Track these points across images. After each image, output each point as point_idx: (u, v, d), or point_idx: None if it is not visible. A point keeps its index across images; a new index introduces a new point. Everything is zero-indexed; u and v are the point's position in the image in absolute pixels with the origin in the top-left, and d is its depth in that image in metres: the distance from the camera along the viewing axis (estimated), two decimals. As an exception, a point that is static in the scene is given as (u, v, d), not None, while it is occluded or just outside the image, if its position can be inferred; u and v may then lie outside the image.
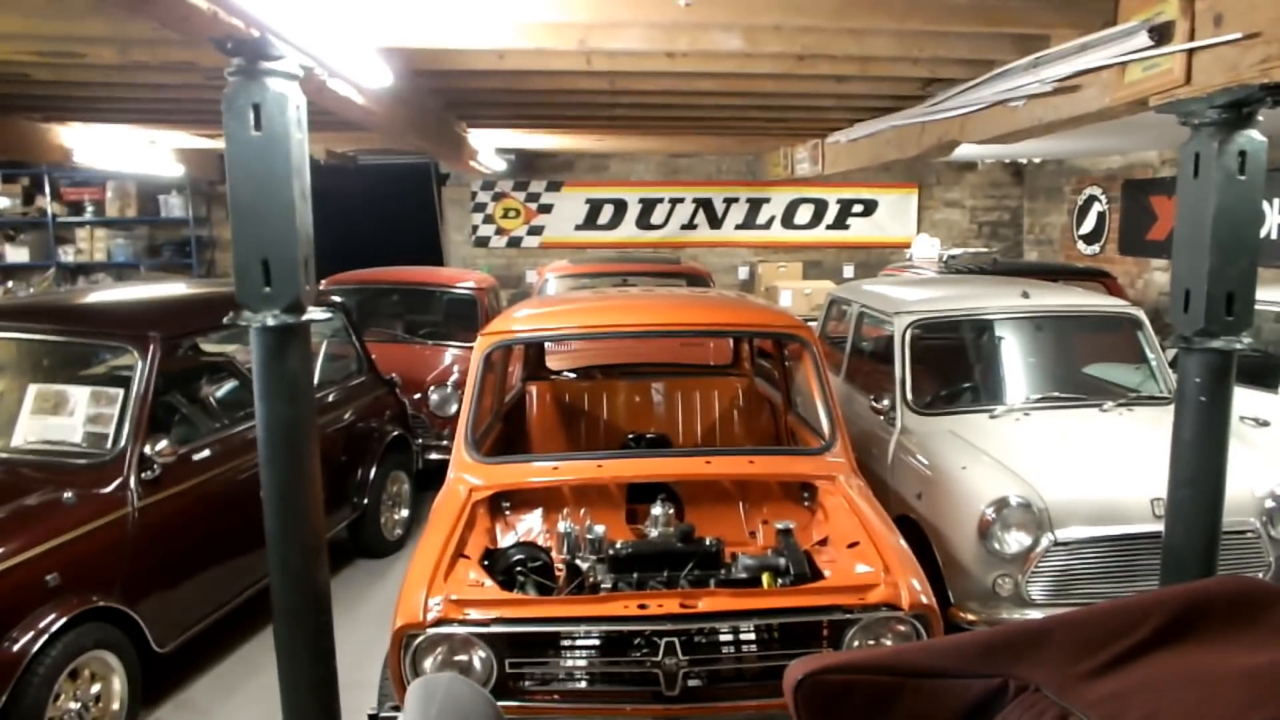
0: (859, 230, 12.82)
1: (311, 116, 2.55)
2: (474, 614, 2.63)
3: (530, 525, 3.63)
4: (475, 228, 12.65)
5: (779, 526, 3.15)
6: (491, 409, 4.37)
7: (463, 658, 2.60)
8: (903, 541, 3.04)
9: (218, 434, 4.17)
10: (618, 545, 3.02)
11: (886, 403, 4.60)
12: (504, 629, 2.61)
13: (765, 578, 2.96)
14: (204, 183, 11.25)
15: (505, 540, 3.43)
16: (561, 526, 3.17)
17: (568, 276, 7.93)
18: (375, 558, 5.74)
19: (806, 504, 3.62)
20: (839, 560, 3.01)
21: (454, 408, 6.58)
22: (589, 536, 3.11)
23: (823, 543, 3.24)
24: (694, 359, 5.84)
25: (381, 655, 2.88)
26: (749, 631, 2.79)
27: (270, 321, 2.43)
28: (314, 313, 2.52)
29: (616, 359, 5.60)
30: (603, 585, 2.91)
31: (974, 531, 3.71)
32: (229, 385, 4.49)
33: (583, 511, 3.34)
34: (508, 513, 3.62)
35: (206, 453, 4.05)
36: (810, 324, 4.36)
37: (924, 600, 2.70)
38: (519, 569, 2.98)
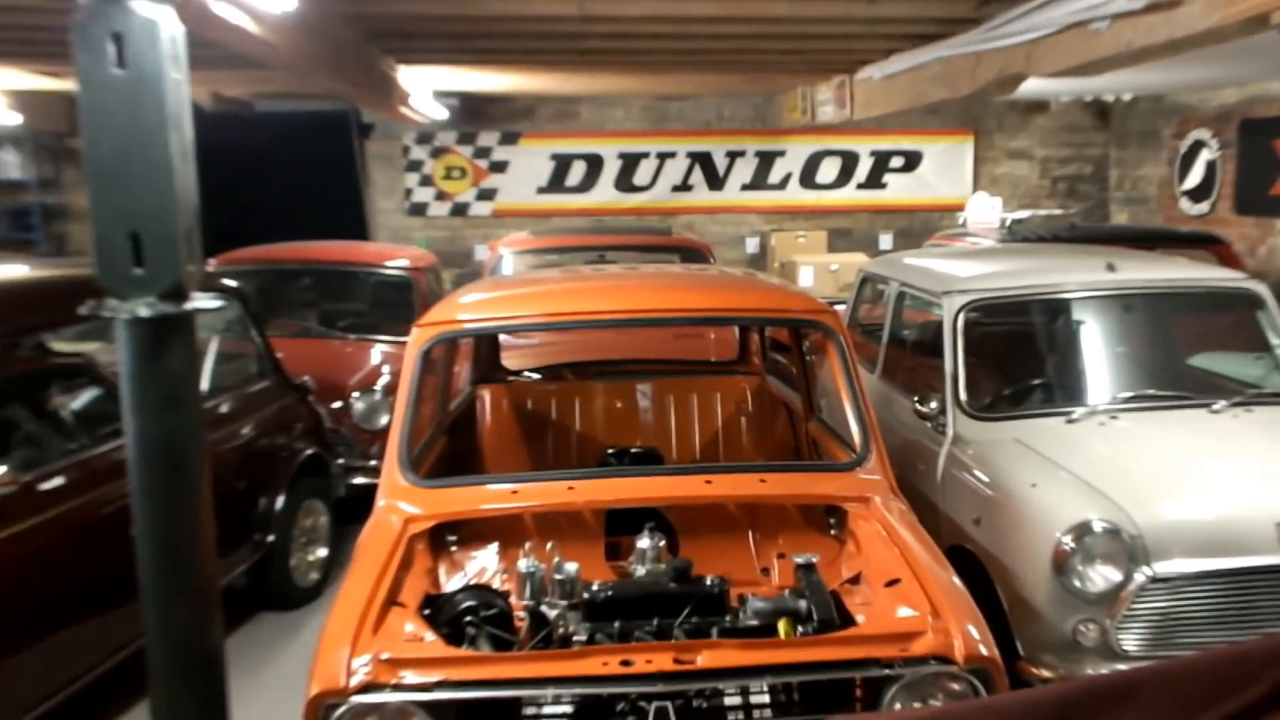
0: (898, 190, 12.91)
1: (193, 51, 2.51)
2: (411, 676, 2.68)
3: (483, 564, 3.72)
4: (409, 192, 12.69)
5: (799, 561, 3.22)
6: (432, 420, 4.47)
7: (398, 733, 2.65)
8: (956, 579, 3.12)
9: (74, 456, 4.17)
10: (595, 587, 3.08)
11: (934, 405, 4.71)
12: (451, 695, 2.66)
13: (782, 625, 3.02)
14: (50, 135, 11.14)
15: (451, 583, 3.50)
16: (523, 565, 3.21)
17: (528, 252, 8.01)
18: (285, 609, 5.81)
19: (833, 533, 3.71)
20: (875, 602, 3.09)
21: (384, 419, 6.68)
22: (558, 577, 3.16)
23: (854, 580, 3.33)
24: (690, 354, 5.95)
25: (293, 733, 2.88)
26: (762, 693, 2.86)
27: (143, 312, 2.40)
28: (200, 300, 2.50)
29: (591, 355, 5.68)
30: (576, 638, 2.98)
31: (1048, 565, 3.78)
32: (89, 394, 4.50)
33: (550, 545, 3.34)
34: (454, 549, 3.72)
35: (59, 480, 4.04)
36: (837, 308, 4.45)
37: (983, 651, 2.75)
38: (469, 619, 3.04)
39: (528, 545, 3.38)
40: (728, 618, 3.06)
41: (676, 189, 12.71)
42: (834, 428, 4.26)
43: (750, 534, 3.91)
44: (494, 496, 3.60)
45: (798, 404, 4.89)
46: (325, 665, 2.71)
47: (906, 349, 5.77)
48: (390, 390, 6.67)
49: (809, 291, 5.72)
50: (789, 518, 3.88)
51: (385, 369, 7.08)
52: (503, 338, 5.75)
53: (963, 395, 4.72)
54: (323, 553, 6.14)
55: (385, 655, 2.72)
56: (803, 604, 3.05)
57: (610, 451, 4.52)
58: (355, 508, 4.96)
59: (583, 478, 3.67)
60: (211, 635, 2.65)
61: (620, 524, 3.80)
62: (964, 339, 4.79)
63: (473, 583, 3.50)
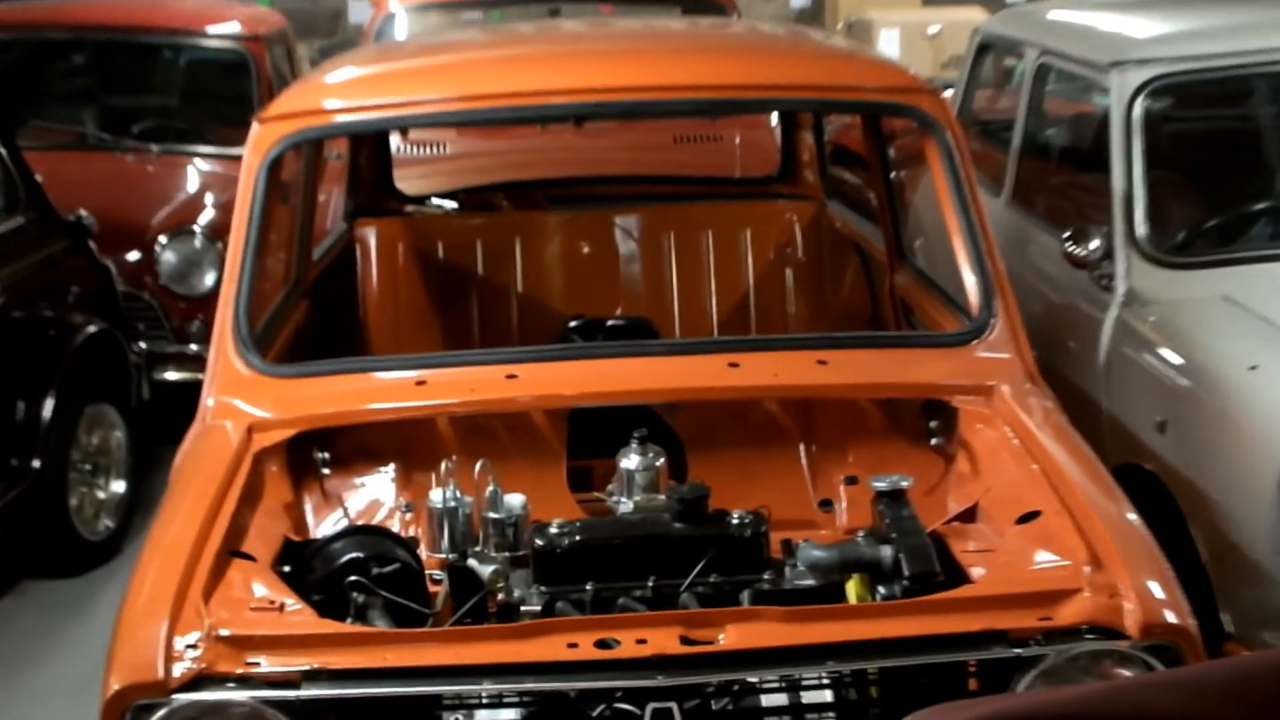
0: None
1: None
2: (266, 664, 2.75)
3: (373, 496, 3.82)
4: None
5: (879, 487, 3.29)
6: (288, 275, 4.56)
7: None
8: (1130, 511, 3.19)
9: None
10: (552, 530, 3.16)
11: (1096, 246, 4.73)
12: (327, 691, 2.72)
13: (853, 585, 3.12)
14: None
15: (324, 525, 3.60)
16: (437, 498, 3.31)
17: (436, 6, 8.05)
18: (62, 575, 5.89)
19: (935, 444, 3.82)
20: (1001, 548, 3.17)
21: (209, 277, 6.72)
22: (493, 515, 3.27)
23: (967, 516, 3.41)
24: (701, 167, 6.02)
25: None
26: (822, 687, 2.95)
27: None
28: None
29: (541, 171, 5.77)
30: (526, 608, 3.07)
31: (1275, 493, 3.83)
32: None
33: (480, 467, 3.41)
34: (327, 473, 3.80)
35: None
36: (942, 92, 4.49)
37: (1170, 619, 2.83)
38: (354, 579, 3.08)
39: (444, 467, 3.44)
40: (767, 575, 3.15)
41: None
42: (935, 281, 4.35)
43: (802, 448, 4.01)
44: (388, 391, 3.70)
45: (876, 245, 4.96)
46: (131, 648, 2.76)
47: (1051, 159, 5.76)
48: (218, 231, 6.69)
49: (894, 63, 5.61)
50: (864, 421, 3.98)
51: (208, 199, 7.09)
52: (397, 143, 5.73)
53: (1141, 229, 4.72)
54: (119, 487, 6.21)
55: (224, 632, 2.78)
56: (885, 552, 3.11)
57: (574, 323, 4.58)
58: (169, 418, 5.01)
59: (531, 360, 3.73)
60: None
61: (591, 436, 3.88)
62: (1144, 139, 4.77)
63: (359, 524, 3.58)
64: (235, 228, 3.87)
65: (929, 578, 3.05)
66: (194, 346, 6.52)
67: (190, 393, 3.85)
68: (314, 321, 4.67)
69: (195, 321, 6.59)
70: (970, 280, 3.90)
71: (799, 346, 3.97)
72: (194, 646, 2.75)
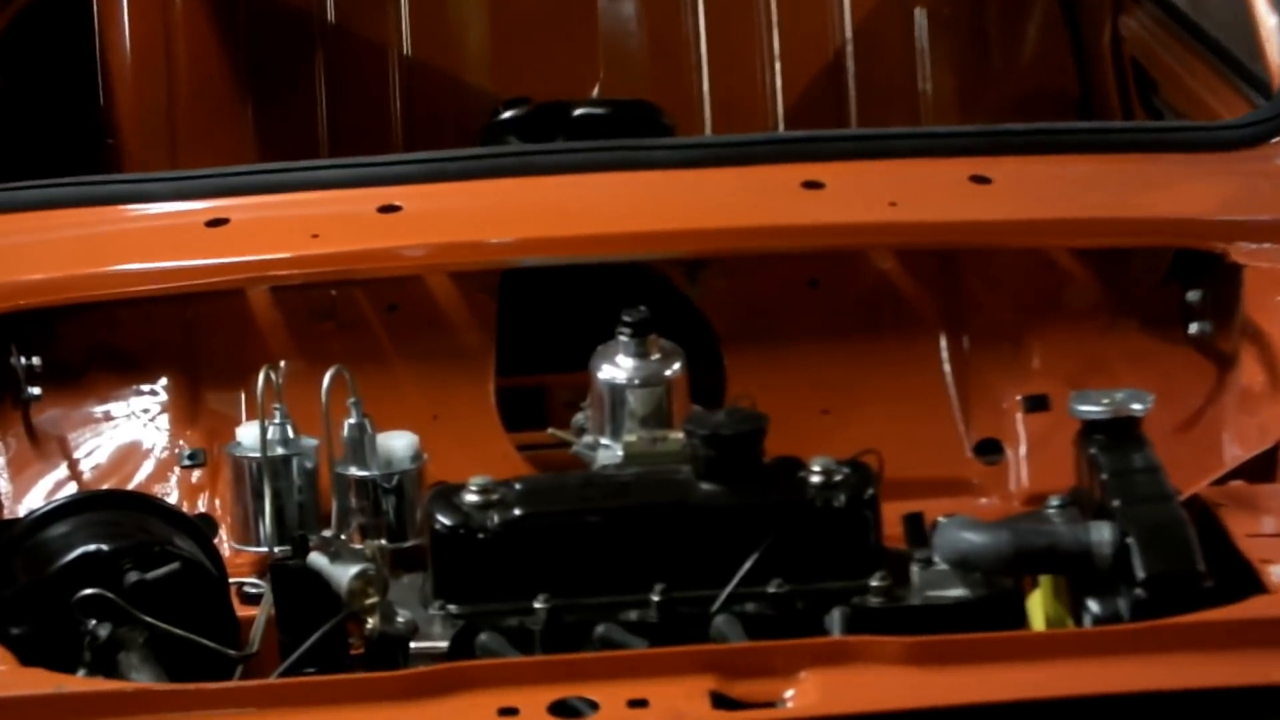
0: None
1: None
2: None
3: (129, 437, 3.17)
4: None
5: (1088, 411, 2.51)
6: None
7: None
8: None
9: None
10: (469, 497, 2.48)
11: None
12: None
13: (1041, 595, 2.46)
14: None
15: (32, 494, 2.99)
16: (247, 438, 2.72)
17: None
18: None
19: (1197, 330, 3.07)
20: None
21: None
22: (359, 472, 2.66)
23: (1260, 468, 2.72)
24: None
25: None
26: None
27: None
28: None
29: None
30: (418, 643, 2.42)
31: None
32: None
33: (329, 378, 2.66)
34: (37, 395, 3.09)
35: None
36: None
37: None
38: (89, 594, 2.38)
39: (263, 379, 2.73)
40: (877, 578, 2.43)
41: None
42: (1202, 28, 3.67)
43: (944, 343, 3.22)
44: (152, 238, 3.03)
45: None
46: None
47: None
48: None
49: None
50: (1059, 292, 3.26)
51: None
52: None
53: None
54: None
55: None
56: (1101, 535, 2.36)
57: (509, 110, 3.81)
58: None
59: (428, 177, 3.03)
60: None
61: (542, 325, 3.37)
62: None
63: (100, 489, 2.91)
64: None
65: (1185, 581, 2.29)
66: None
67: None
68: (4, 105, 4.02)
69: None
70: (1269, 21, 3.23)
71: (940, 150, 3.13)
72: None
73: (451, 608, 2.38)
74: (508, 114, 3.80)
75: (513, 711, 2.03)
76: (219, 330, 3.20)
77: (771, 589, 2.37)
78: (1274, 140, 3.07)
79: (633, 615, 2.37)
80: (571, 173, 3.04)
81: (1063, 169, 3.15)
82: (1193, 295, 3.02)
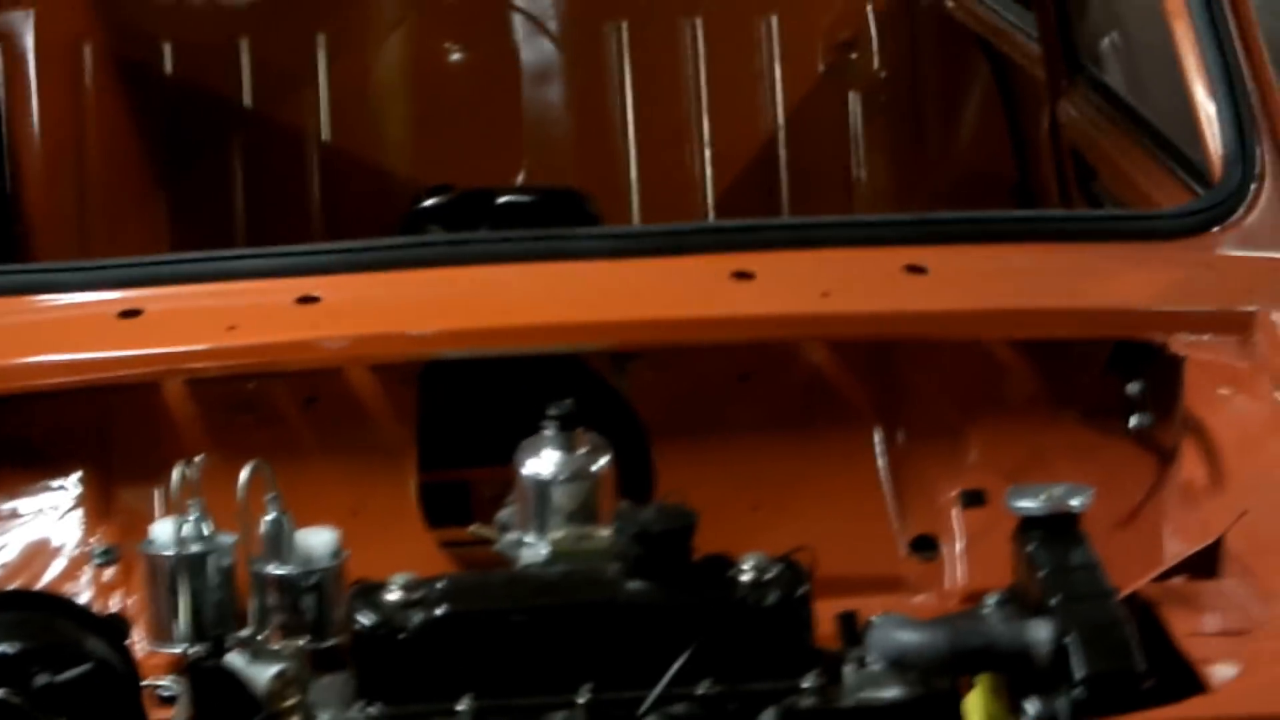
0: None
1: None
2: None
3: (40, 534, 3.11)
4: None
5: (1025, 507, 2.48)
6: None
7: None
8: None
9: None
10: (390, 595, 2.47)
11: None
12: None
13: (977, 696, 2.36)
14: None
15: None
16: (162, 535, 2.58)
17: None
18: None
19: (1137, 423, 3.05)
20: (1268, 623, 2.44)
21: None
22: (278, 570, 2.57)
23: (1200, 563, 2.66)
24: None
25: None
26: None
27: None
28: None
29: None
30: None
31: None
32: None
33: (247, 473, 2.56)
34: None
35: None
36: None
37: None
38: None
39: (178, 475, 2.61)
40: (810, 678, 2.42)
41: None
42: (1140, 113, 3.67)
43: (878, 437, 3.22)
44: (64, 328, 3.02)
45: (1024, 46, 4.21)
46: None
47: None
48: None
49: None
50: (997, 383, 3.24)
51: None
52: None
53: None
54: None
55: None
56: (1039, 634, 2.36)
57: (429, 199, 3.84)
58: None
59: (348, 267, 3.00)
60: None
61: (465, 419, 3.28)
62: None
63: (10, 589, 2.83)
64: None
65: (1125, 681, 2.27)
66: None
67: None
68: None
69: None
70: (1209, 109, 3.18)
71: (875, 239, 3.14)
72: None
73: (374, 709, 2.35)
74: (429, 202, 3.83)
75: None
76: (133, 424, 3.15)
77: (702, 690, 2.34)
78: (1214, 230, 3.07)
79: (559, 717, 2.33)
80: (495, 263, 3.02)
81: (1001, 258, 3.14)
82: (1133, 387, 3.02)
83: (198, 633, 2.46)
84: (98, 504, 3.05)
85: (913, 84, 4.61)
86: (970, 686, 2.34)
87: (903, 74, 4.57)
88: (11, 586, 2.81)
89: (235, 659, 2.39)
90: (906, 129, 4.58)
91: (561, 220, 3.70)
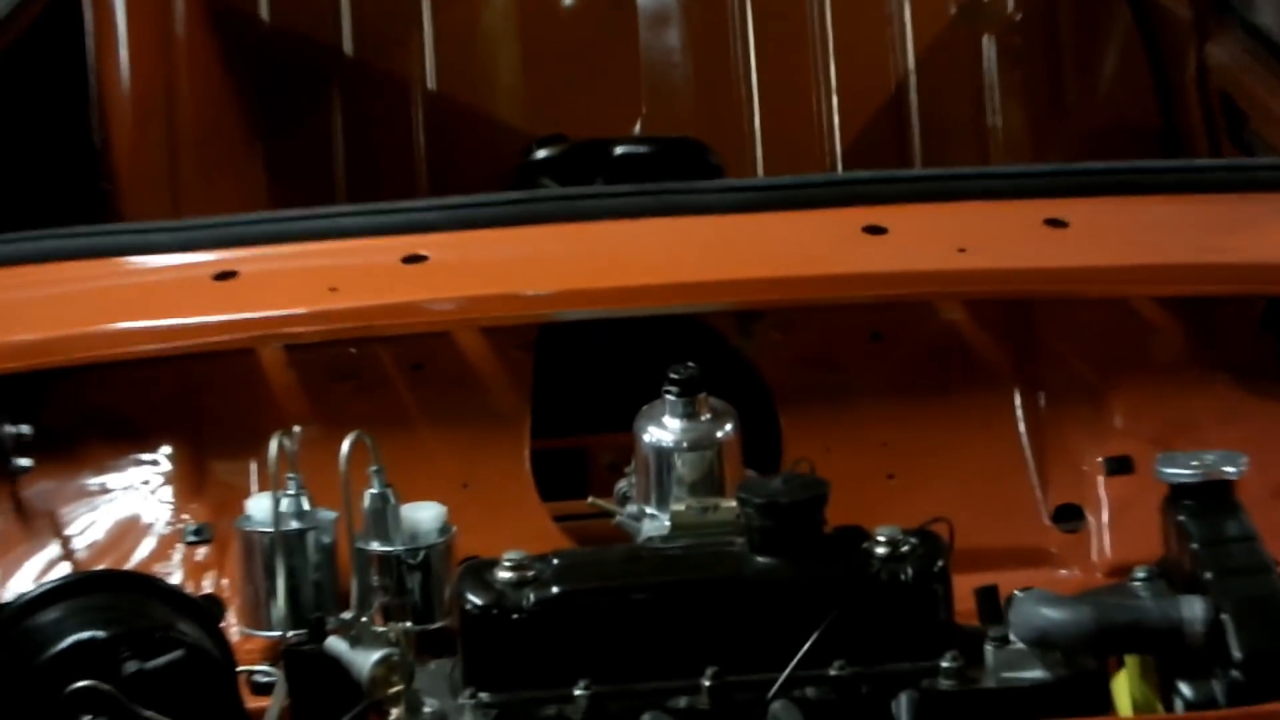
0: None
1: None
2: None
3: (128, 511, 3.12)
4: None
5: (1176, 475, 2.45)
6: None
7: None
8: None
9: None
10: (503, 574, 2.42)
11: None
12: None
13: (1126, 675, 2.41)
14: None
15: (21, 573, 2.94)
16: (257, 511, 2.65)
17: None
18: None
19: None
20: None
21: None
22: (381, 547, 2.60)
23: None
24: None
25: None
26: None
27: None
28: None
29: None
30: None
31: None
32: None
33: (348, 445, 2.58)
34: (26, 467, 3.07)
35: None
36: None
37: None
38: (83, 686, 2.30)
39: (275, 447, 2.63)
40: (949, 658, 2.35)
41: None
42: None
43: (1018, 400, 3.20)
44: (154, 292, 2.98)
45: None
46: None
47: None
48: None
49: None
50: (1143, 346, 3.22)
51: None
52: None
53: None
54: None
55: None
56: (1193, 610, 2.31)
57: (542, 150, 3.80)
58: None
59: (456, 224, 2.94)
60: None
61: (581, 385, 3.40)
62: None
63: (96, 569, 2.86)
64: None
65: None
66: None
67: None
68: None
69: None
70: None
71: (1012, 191, 3.07)
72: None
73: (483, 696, 2.30)
74: (542, 154, 3.79)
75: None
76: (227, 393, 3.16)
77: (833, 671, 2.29)
78: None
79: (682, 702, 2.30)
80: (613, 218, 2.97)
81: (1145, 211, 3.06)
82: None
83: (296, 615, 2.51)
84: (189, 479, 3.07)
85: (1049, 26, 4.54)
86: (1119, 667, 2.34)
87: (1038, 16, 4.49)
88: (100, 567, 2.83)
89: (335, 644, 2.34)
90: (1043, 74, 4.51)
91: (681, 172, 3.63)
